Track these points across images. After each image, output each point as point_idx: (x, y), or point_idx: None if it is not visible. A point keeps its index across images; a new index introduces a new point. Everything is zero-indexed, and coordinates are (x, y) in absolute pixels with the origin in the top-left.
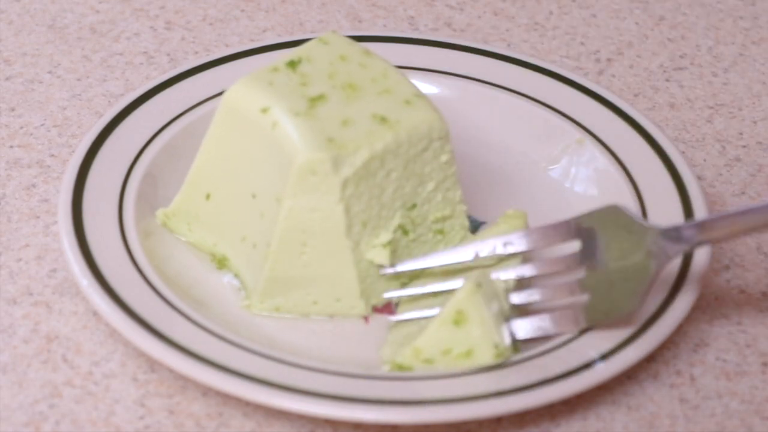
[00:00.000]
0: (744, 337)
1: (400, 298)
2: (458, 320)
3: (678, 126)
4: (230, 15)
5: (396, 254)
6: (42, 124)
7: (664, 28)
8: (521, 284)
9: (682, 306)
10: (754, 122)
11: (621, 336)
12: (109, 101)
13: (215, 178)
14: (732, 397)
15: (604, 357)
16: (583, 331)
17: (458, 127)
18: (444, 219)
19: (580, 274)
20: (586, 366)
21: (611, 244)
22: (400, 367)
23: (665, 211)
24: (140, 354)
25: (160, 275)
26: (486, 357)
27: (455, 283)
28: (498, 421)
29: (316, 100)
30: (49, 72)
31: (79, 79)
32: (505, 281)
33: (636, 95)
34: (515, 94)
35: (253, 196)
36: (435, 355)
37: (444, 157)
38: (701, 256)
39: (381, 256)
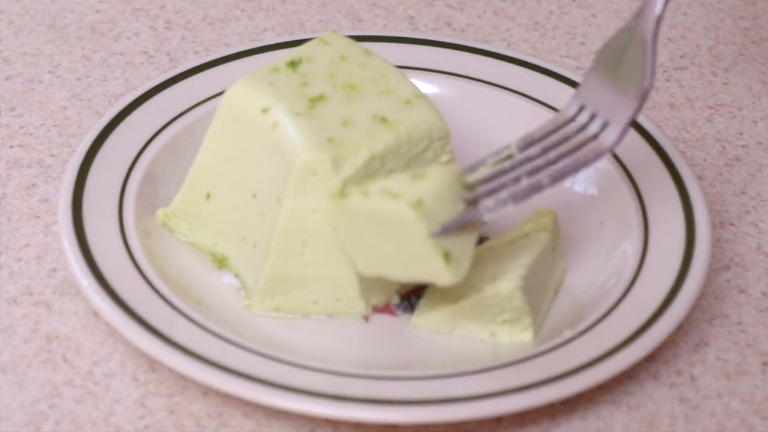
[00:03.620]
0: (744, 337)
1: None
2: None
3: (678, 126)
4: (230, 15)
5: None
6: (42, 124)
7: (664, 28)
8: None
9: (682, 306)
10: (754, 122)
11: (621, 336)
12: (109, 101)
13: (215, 178)
14: (732, 397)
15: (604, 357)
16: (583, 331)
17: (458, 127)
18: None
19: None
20: (586, 366)
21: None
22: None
23: (665, 211)
24: (140, 354)
25: (160, 275)
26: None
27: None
28: (498, 421)
29: (316, 100)
30: (49, 72)
31: (79, 79)
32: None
33: None
34: (515, 94)
35: (254, 196)
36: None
37: (444, 158)
38: (701, 255)
39: None
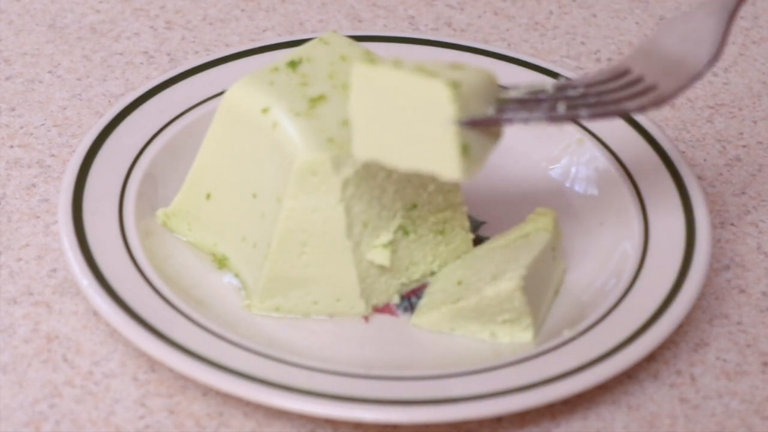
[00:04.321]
0: (744, 337)
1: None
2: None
3: (678, 126)
4: (230, 15)
5: (396, 255)
6: (42, 124)
7: None
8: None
9: (682, 306)
10: (754, 122)
11: (621, 336)
12: (109, 101)
13: (215, 178)
14: (732, 397)
15: (604, 357)
16: (583, 331)
17: None
18: (445, 220)
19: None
20: (586, 366)
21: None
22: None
23: (665, 212)
24: (140, 354)
25: (160, 275)
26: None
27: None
28: (498, 420)
29: (316, 100)
30: (49, 72)
31: (79, 79)
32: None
33: None
34: None
35: (254, 196)
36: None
37: None
38: (701, 255)
39: (381, 256)
